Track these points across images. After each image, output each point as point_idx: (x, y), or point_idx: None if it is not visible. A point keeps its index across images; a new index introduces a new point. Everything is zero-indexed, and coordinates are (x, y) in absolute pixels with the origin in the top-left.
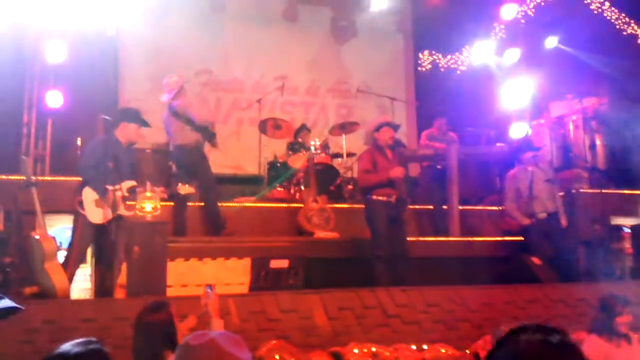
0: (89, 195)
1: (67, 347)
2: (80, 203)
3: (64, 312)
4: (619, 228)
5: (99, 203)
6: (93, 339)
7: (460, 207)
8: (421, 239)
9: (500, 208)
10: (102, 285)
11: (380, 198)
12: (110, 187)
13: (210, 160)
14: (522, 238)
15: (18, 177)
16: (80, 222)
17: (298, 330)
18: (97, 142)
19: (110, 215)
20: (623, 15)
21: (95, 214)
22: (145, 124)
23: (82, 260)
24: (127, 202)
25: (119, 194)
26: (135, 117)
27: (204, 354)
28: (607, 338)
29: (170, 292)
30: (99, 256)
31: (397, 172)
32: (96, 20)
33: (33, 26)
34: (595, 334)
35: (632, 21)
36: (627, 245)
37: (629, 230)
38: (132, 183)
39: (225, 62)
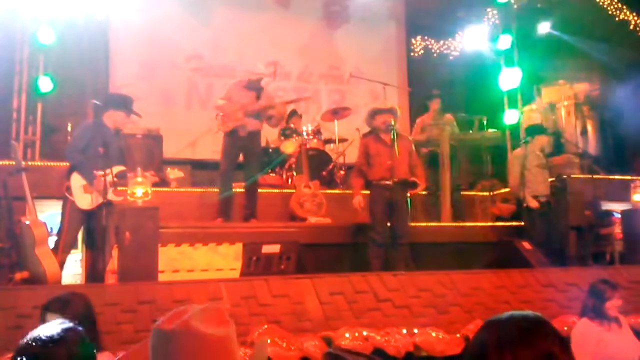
0: (77, 180)
1: (39, 330)
2: (68, 188)
3: None
4: (609, 213)
5: (87, 188)
6: (65, 320)
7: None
8: (414, 224)
9: (492, 193)
10: (93, 271)
11: (378, 182)
12: (99, 172)
13: (200, 145)
14: (514, 223)
15: (8, 163)
16: (69, 208)
17: (289, 315)
18: (84, 127)
19: (98, 201)
20: (615, 1)
21: (84, 200)
22: (132, 112)
23: (73, 245)
24: (117, 187)
25: (108, 179)
26: (124, 104)
27: (181, 340)
28: (598, 322)
29: (161, 278)
30: (90, 242)
31: (357, 202)
32: (86, 5)
33: (23, 11)
34: (586, 317)
35: (624, 7)
36: (618, 230)
37: (619, 216)
38: (121, 168)
39: (217, 47)
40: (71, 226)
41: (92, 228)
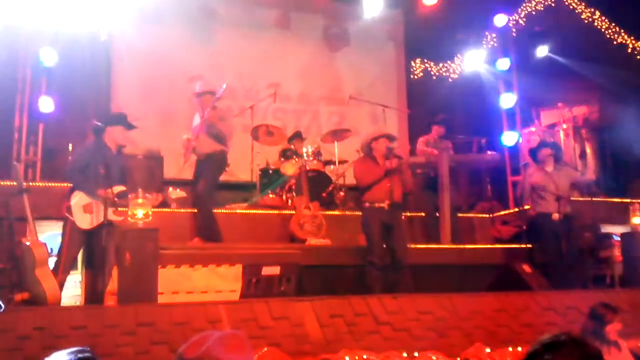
0: (77, 200)
1: (57, 355)
2: (69, 208)
3: (54, 319)
4: (609, 236)
5: (87, 208)
6: (86, 348)
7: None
8: (413, 246)
9: (491, 215)
10: (93, 292)
11: (373, 205)
12: (100, 193)
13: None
14: (514, 245)
15: (9, 183)
16: (69, 228)
17: (289, 338)
18: (84, 147)
19: (98, 221)
20: (613, 25)
21: (84, 220)
22: (130, 126)
23: (72, 266)
24: (118, 208)
25: (110, 198)
26: (120, 119)
27: None
28: (597, 345)
29: (161, 299)
30: (89, 262)
31: (392, 163)
32: (88, 26)
33: (25, 31)
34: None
35: (622, 31)
36: (617, 253)
37: (619, 238)
38: (122, 188)
39: (218, 68)
40: (71, 246)
41: (92, 248)
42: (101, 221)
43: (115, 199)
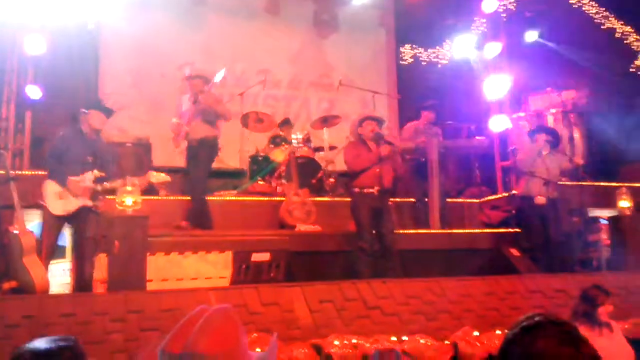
0: (50, 187)
1: (38, 343)
2: (42, 195)
3: (43, 308)
4: (596, 220)
5: (61, 194)
6: (70, 337)
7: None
8: (402, 231)
9: (480, 200)
10: (79, 279)
11: (363, 190)
12: (74, 178)
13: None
14: (502, 230)
15: None
16: (46, 215)
17: (279, 324)
18: (62, 134)
19: (73, 207)
20: (602, 9)
21: (57, 206)
22: (105, 110)
23: (53, 253)
24: (95, 192)
25: (85, 184)
26: (94, 104)
27: None
28: (589, 327)
29: (150, 287)
30: (74, 250)
31: (385, 150)
32: (76, 14)
33: (12, 19)
34: (576, 323)
35: (610, 15)
36: (605, 236)
37: (606, 222)
38: (100, 173)
39: (207, 55)
40: (49, 233)
41: (74, 236)
42: (76, 207)
43: (91, 184)
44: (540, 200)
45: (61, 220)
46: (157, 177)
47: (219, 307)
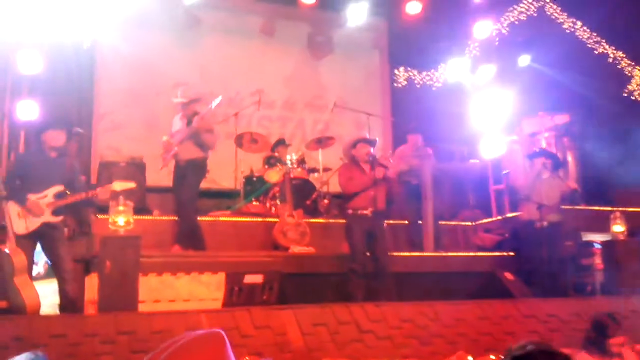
0: (10, 207)
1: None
2: (3, 217)
3: (32, 328)
4: (590, 244)
5: (21, 214)
6: (38, 352)
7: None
8: (396, 253)
9: (474, 223)
10: (62, 299)
11: (357, 212)
12: (33, 196)
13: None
14: (496, 253)
15: None
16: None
17: (271, 347)
18: (19, 155)
19: (34, 225)
20: (594, 34)
21: (19, 225)
22: (67, 130)
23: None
24: (56, 207)
25: (45, 200)
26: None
27: None
28: (599, 356)
29: (142, 308)
30: (53, 269)
31: (380, 173)
32: (72, 33)
33: (8, 37)
34: (585, 351)
35: (603, 40)
36: (598, 261)
37: (600, 246)
38: (59, 188)
39: (202, 75)
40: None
41: (46, 254)
42: (38, 224)
43: (52, 199)
44: (538, 224)
45: (29, 238)
46: (121, 185)
47: (205, 332)
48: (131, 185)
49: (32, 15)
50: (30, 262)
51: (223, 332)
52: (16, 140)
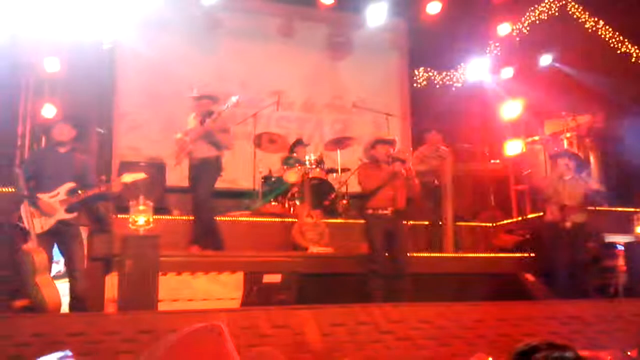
0: (25, 208)
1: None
2: (20, 218)
3: (54, 326)
4: (613, 245)
5: (35, 213)
6: (67, 352)
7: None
8: (415, 254)
9: (494, 224)
10: (70, 297)
11: (376, 212)
12: (45, 195)
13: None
14: (517, 254)
15: (11, 190)
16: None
17: (290, 347)
18: (31, 155)
19: (49, 223)
20: (617, 34)
21: (36, 224)
22: (73, 122)
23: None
24: (73, 205)
25: (57, 198)
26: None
27: None
28: None
29: (161, 307)
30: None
31: (398, 166)
32: (92, 34)
33: (29, 38)
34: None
35: (625, 40)
36: (621, 262)
37: (623, 248)
38: (71, 185)
39: (221, 76)
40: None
41: (62, 252)
42: (53, 223)
43: (65, 197)
44: (564, 225)
45: (46, 237)
46: (131, 177)
47: (205, 325)
48: (141, 176)
49: (52, 17)
50: (50, 261)
51: (223, 325)
52: (38, 141)
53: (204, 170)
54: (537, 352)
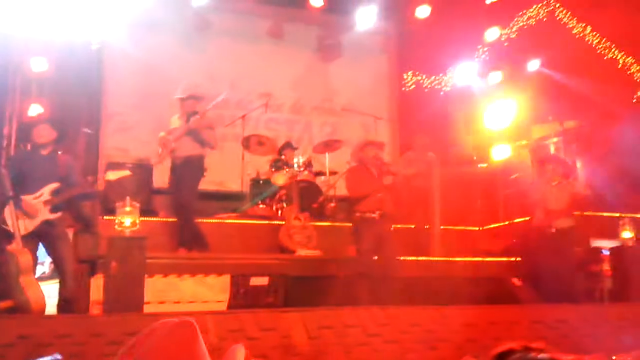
0: (11, 208)
1: None
2: (3, 220)
3: (38, 328)
4: (598, 250)
5: (19, 215)
6: (56, 356)
7: (441, 227)
8: (403, 258)
9: (482, 228)
10: (59, 299)
11: (365, 215)
12: (29, 197)
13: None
14: (504, 258)
15: None
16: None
17: (277, 349)
18: (9, 158)
19: (34, 224)
20: (604, 39)
21: (21, 225)
22: (53, 123)
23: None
24: (54, 205)
25: (40, 199)
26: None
27: None
28: None
29: (147, 309)
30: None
31: (388, 180)
32: (81, 34)
33: (17, 37)
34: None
35: (612, 45)
36: (606, 267)
37: (609, 253)
38: (55, 185)
39: (211, 78)
40: None
41: (48, 253)
42: (37, 223)
43: (48, 197)
44: (551, 230)
45: (31, 238)
46: (115, 174)
47: (176, 321)
48: (125, 173)
49: (40, 16)
50: (35, 262)
51: (194, 321)
52: (24, 142)
53: (187, 171)
54: (511, 355)
